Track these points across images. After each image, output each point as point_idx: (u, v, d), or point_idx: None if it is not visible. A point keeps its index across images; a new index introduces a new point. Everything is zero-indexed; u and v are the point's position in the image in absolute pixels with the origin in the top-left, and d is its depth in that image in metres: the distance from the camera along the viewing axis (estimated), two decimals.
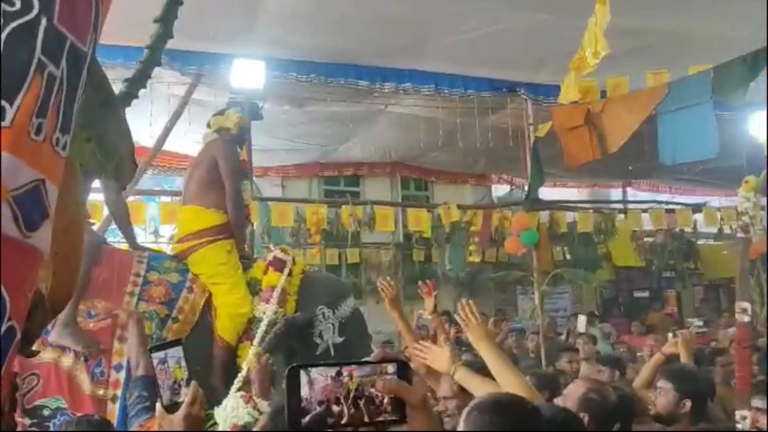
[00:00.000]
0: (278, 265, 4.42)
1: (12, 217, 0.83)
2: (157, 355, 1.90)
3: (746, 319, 2.32)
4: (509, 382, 2.47)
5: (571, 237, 11.75)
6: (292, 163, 12.09)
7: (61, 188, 1.22)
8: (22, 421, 3.71)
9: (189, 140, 9.70)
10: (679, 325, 11.40)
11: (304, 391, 0.99)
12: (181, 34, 6.46)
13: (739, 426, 2.34)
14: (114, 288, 4.08)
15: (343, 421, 0.99)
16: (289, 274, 4.39)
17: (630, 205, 13.21)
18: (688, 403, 2.98)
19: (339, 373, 1.00)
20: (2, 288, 0.82)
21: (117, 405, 3.83)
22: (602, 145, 7.24)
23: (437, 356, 2.72)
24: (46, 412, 3.77)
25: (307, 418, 0.97)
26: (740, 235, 2.49)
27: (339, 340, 4.36)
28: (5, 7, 0.80)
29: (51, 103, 0.88)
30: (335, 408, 0.99)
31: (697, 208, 11.81)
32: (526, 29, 7.55)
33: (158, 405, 1.90)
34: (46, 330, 3.82)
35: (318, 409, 0.98)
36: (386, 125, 10.34)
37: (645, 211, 12.02)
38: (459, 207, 10.41)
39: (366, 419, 1.00)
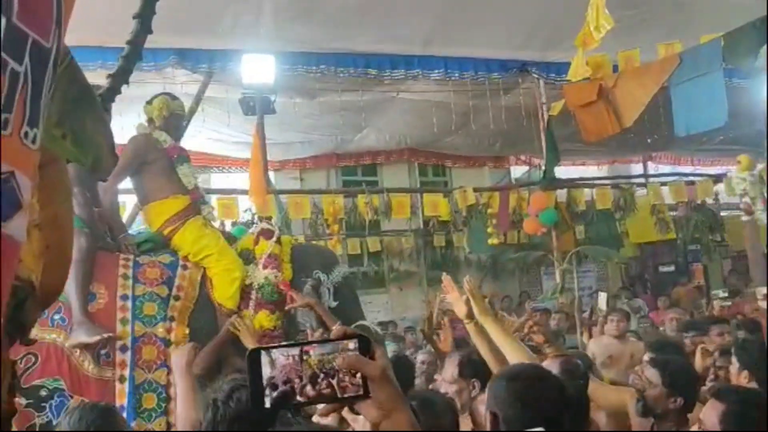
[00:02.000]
0: (268, 234, 4.55)
1: None
2: None
3: (765, 305, 2.28)
4: (513, 350, 2.60)
5: (590, 214, 11.67)
6: (309, 156, 12.17)
7: (46, 182, 1.27)
8: (17, 400, 3.73)
9: (204, 138, 9.83)
10: (706, 299, 11.28)
11: (267, 372, 1.00)
12: (190, 33, 6.51)
13: None
14: (106, 272, 4.08)
15: (308, 399, 1.01)
16: (278, 242, 4.53)
17: (649, 179, 13.06)
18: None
19: (301, 352, 1.02)
20: None
21: (125, 385, 3.88)
22: (617, 119, 7.18)
23: (457, 301, 2.88)
24: (43, 393, 3.75)
25: (272, 396, 0.99)
26: (745, 218, 2.44)
27: (334, 304, 4.46)
28: None
29: (16, 99, 0.91)
30: (299, 386, 1.00)
31: (717, 178, 11.63)
32: (534, 7, 7.50)
33: None
34: (30, 339, 3.86)
35: (282, 388, 1.00)
36: (399, 112, 10.35)
37: (664, 184, 11.85)
38: (475, 190, 10.38)
39: (330, 396, 1.01)
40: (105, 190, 4.37)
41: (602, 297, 7.29)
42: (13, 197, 0.92)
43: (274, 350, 1.02)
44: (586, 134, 8.33)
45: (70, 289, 3.87)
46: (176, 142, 4.72)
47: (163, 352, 4.01)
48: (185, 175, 4.53)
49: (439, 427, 2.38)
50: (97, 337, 3.84)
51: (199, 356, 3.83)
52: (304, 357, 1.01)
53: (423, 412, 2.23)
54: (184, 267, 4.31)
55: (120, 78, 1.43)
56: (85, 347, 3.88)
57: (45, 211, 1.27)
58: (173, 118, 4.64)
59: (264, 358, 1.01)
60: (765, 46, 5.42)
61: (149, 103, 4.60)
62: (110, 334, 3.90)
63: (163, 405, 3.94)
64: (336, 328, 1.08)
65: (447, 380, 3.20)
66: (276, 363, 1.01)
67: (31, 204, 1.11)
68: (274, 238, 4.53)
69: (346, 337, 1.05)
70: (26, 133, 0.94)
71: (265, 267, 4.37)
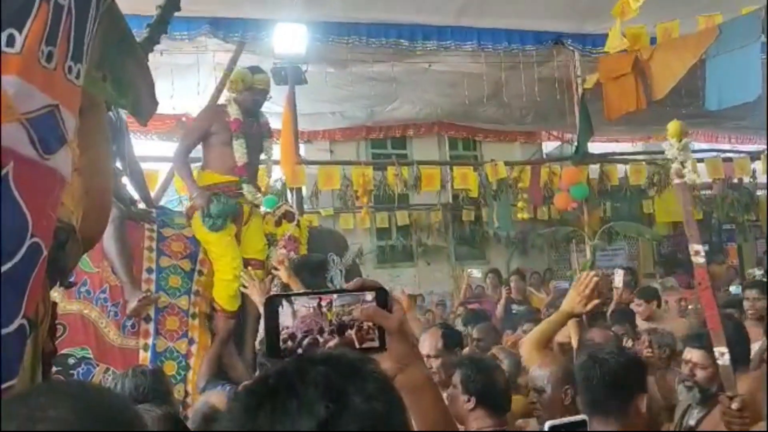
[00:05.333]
0: (290, 216, 4.75)
1: (28, 138, 0.86)
2: None
3: (701, 260, 2.40)
4: None
5: (623, 190, 11.49)
6: (339, 127, 12.15)
7: (86, 127, 1.28)
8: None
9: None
10: (740, 278, 11.09)
11: (288, 321, 1.01)
12: (223, 2, 6.47)
13: (719, 361, 2.41)
14: (133, 245, 4.20)
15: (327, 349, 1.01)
16: (297, 225, 4.71)
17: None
18: None
19: (320, 304, 1.02)
20: (24, 206, 0.85)
21: (149, 353, 4.08)
22: (648, 92, 7.03)
23: None
24: (71, 361, 3.94)
25: (302, 345, 1.00)
26: (677, 181, 2.48)
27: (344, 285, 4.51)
28: None
29: (60, 32, 0.91)
30: (319, 338, 1.01)
31: (756, 155, 11.34)
32: None
33: None
34: (71, 282, 3.98)
35: (304, 338, 1.00)
36: (431, 83, 10.26)
37: (701, 160, 11.60)
38: (506, 163, 10.27)
39: (350, 347, 1.02)
40: (175, 155, 4.71)
41: (618, 274, 7.19)
42: (57, 131, 0.93)
43: (296, 301, 1.03)
44: (609, 109, 8.16)
45: (114, 259, 4.04)
46: (253, 116, 4.70)
47: (185, 323, 4.20)
48: (237, 150, 4.54)
49: None
50: (140, 305, 4.02)
51: (203, 366, 4.05)
52: (323, 309, 1.02)
53: None
54: None
55: (158, 27, 1.44)
56: (137, 312, 4.04)
57: (84, 156, 1.28)
58: (250, 92, 4.61)
59: (287, 309, 1.02)
60: None
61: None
62: (147, 294, 4.07)
63: (183, 373, 4.14)
64: (355, 280, 1.09)
65: (430, 354, 3.09)
66: (297, 314, 1.01)
67: (72, 148, 1.11)
68: (295, 222, 4.71)
69: (364, 288, 1.05)
70: (70, 68, 0.94)
71: (283, 248, 4.47)
